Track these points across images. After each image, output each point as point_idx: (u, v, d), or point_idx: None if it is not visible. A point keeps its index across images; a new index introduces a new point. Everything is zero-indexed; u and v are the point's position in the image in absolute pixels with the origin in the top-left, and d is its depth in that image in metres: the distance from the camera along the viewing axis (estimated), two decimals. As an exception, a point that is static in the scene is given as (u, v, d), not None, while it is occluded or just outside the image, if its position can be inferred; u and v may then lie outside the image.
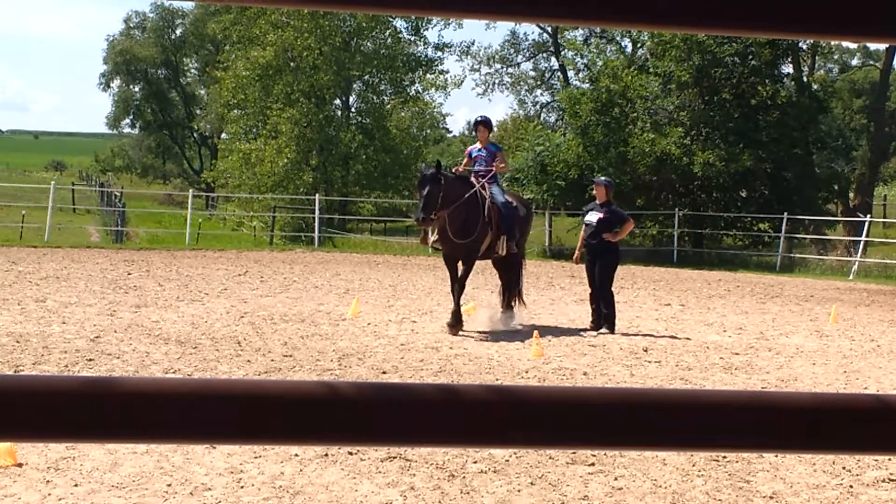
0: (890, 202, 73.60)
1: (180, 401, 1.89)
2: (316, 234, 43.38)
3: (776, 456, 9.65)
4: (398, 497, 8.29)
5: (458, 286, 18.28)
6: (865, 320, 22.49)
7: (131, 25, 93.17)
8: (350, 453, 9.32)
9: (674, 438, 2.04)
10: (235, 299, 21.47)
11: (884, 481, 9.09)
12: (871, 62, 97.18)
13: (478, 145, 19.44)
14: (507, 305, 19.48)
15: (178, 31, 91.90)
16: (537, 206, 45.55)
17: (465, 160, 19.58)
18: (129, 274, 26.13)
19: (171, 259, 31.66)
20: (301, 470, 8.89)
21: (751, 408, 2.01)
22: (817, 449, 2.17)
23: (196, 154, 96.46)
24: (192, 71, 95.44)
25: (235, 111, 58.52)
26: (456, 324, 17.72)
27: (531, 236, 45.98)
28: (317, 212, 43.73)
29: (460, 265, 18.37)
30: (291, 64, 54.27)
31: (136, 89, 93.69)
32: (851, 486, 8.91)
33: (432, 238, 18.73)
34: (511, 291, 19.41)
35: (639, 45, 57.19)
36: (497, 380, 13.72)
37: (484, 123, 19.76)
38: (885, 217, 62.20)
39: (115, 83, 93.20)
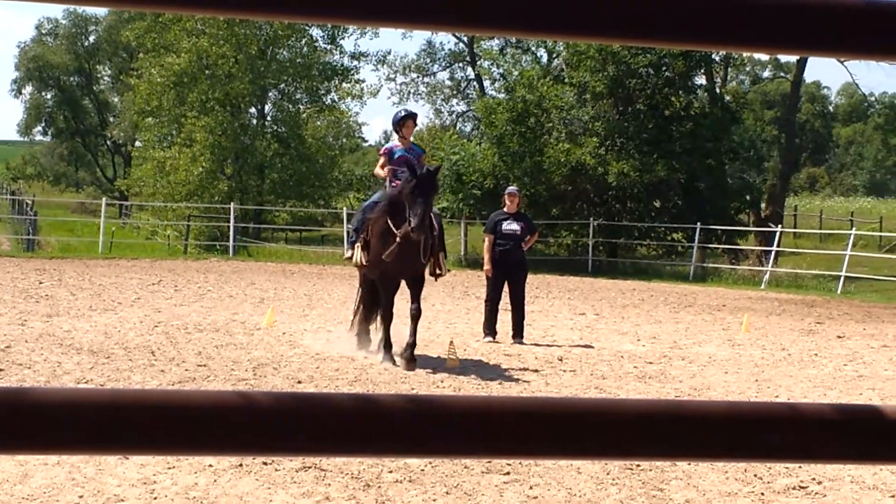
0: (801, 213, 74.51)
1: (92, 411, 1.87)
2: (231, 243, 43.19)
3: (689, 464, 9.72)
4: (313, 507, 8.26)
5: (389, 313, 15.82)
6: (776, 329, 22.74)
7: (43, 32, 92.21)
8: (265, 463, 9.27)
9: (589, 447, 2.06)
10: (149, 308, 21.28)
11: (794, 489, 9.19)
12: (783, 74, 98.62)
13: (399, 145, 16.26)
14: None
15: (92, 38, 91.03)
16: (453, 214, 45.70)
17: (383, 160, 16.29)
18: (41, 283, 25.83)
19: (84, 268, 31.34)
20: (215, 480, 8.83)
21: (666, 417, 2.02)
22: (732, 457, 2.19)
23: (109, 162, 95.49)
24: (106, 78, 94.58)
25: (149, 119, 58.10)
26: (390, 352, 15.61)
27: (448, 246, 46.05)
28: (232, 220, 43.53)
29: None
30: (206, 72, 53.98)
31: (49, 96, 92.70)
32: (763, 494, 9.01)
33: (363, 253, 15.89)
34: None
35: (554, 55, 57.57)
36: (412, 389, 13.71)
37: (413, 119, 16.78)
38: (795, 227, 62.96)
39: (27, 90, 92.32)
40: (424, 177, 14.91)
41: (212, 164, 52.44)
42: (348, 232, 16.71)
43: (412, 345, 15.44)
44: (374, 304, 16.56)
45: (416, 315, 15.65)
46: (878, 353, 19.40)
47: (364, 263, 16.00)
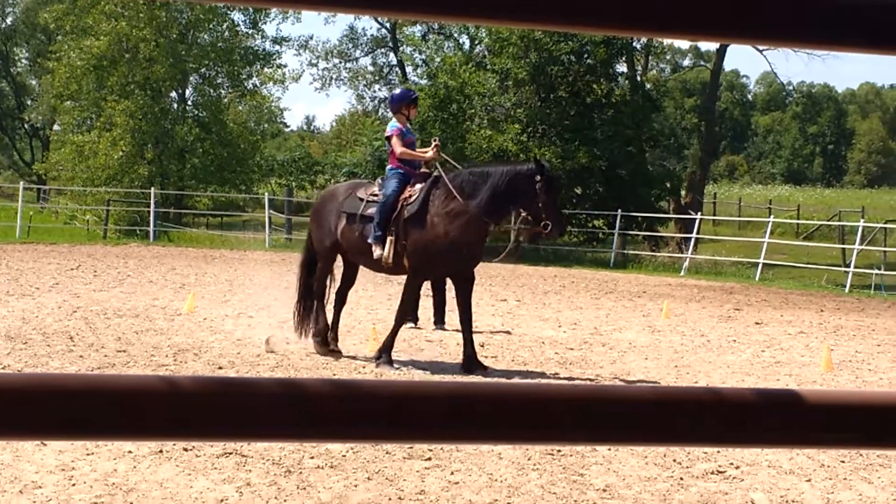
0: (720, 200, 75.23)
1: (9, 397, 1.85)
2: (151, 228, 42.92)
3: (609, 449, 9.80)
4: (234, 493, 8.22)
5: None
6: (696, 316, 22.95)
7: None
8: (185, 449, 9.22)
9: (511, 432, 2.06)
10: (68, 294, 21.08)
11: (712, 473, 9.29)
12: (702, 63, 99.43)
13: (401, 126, 15.27)
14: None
15: (9, 20, 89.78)
16: (374, 201, 45.63)
17: (398, 141, 15.05)
18: (-43, 268, 25.51)
19: (1, 253, 30.98)
20: (135, 467, 8.76)
21: (591, 401, 2.03)
22: (655, 441, 2.21)
23: (27, 146, 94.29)
24: (23, 61, 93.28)
25: (68, 102, 57.42)
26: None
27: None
28: (152, 205, 43.27)
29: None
30: (126, 55, 53.45)
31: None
32: (682, 479, 9.09)
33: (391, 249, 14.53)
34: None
35: (476, 41, 57.62)
36: (334, 375, 13.69)
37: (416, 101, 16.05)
38: (714, 215, 63.58)
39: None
40: (556, 177, 14.38)
41: (132, 148, 51.91)
42: (373, 226, 14.49)
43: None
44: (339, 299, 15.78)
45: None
46: (795, 339, 19.65)
47: (390, 262, 14.56)
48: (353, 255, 15.21)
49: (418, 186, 14.69)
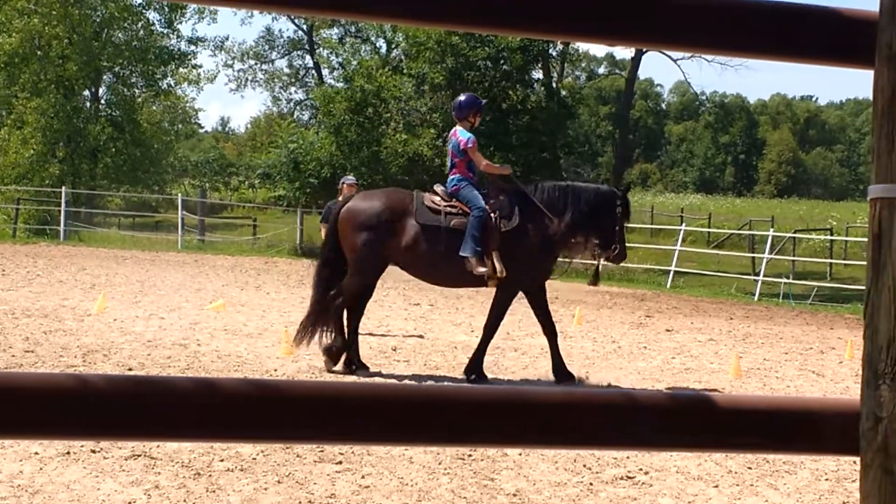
0: (632, 208, 75.76)
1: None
2: (62, 228, 42.49)
3: (520, 454, 9.83)
4: (142, 496, 8.14)
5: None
6: (608, 322, 23.10)
7: None
8: (93, 451, 9.12)
9: (423, 434, 2.07)
10: (-25, 293, 20.81)
11: (622, 479, 9.35)
12: (618, 71, 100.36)
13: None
14: None
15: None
16: (289, 203, 45.67)
17: (480, 153, 14.97)
18: None
19: None
20: (41, 468, 8.66)
21: (505, 404, 2.04)
22: (567, 444, 2.22)
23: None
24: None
25: (-22, 99, 56.83)
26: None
27: (284, 234, 45.90)
28: (63, 205, 42.85)
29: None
30: (39, 52, 52.92)
31: None
32: (591, 484, 9.14)
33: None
34: None
35: (393, 45, 57.70)
36: (246, 376, 13.59)
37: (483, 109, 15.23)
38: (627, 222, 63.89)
39: None
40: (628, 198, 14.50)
41: (43, 146, 51.49)
42: (473, 238, 13.82)
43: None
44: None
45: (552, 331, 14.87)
46: (705, 346, 19.84)
47: (501, 274, 13.96)
48: (419, 268, 14.51)
49: (502, 199, 14.27)
